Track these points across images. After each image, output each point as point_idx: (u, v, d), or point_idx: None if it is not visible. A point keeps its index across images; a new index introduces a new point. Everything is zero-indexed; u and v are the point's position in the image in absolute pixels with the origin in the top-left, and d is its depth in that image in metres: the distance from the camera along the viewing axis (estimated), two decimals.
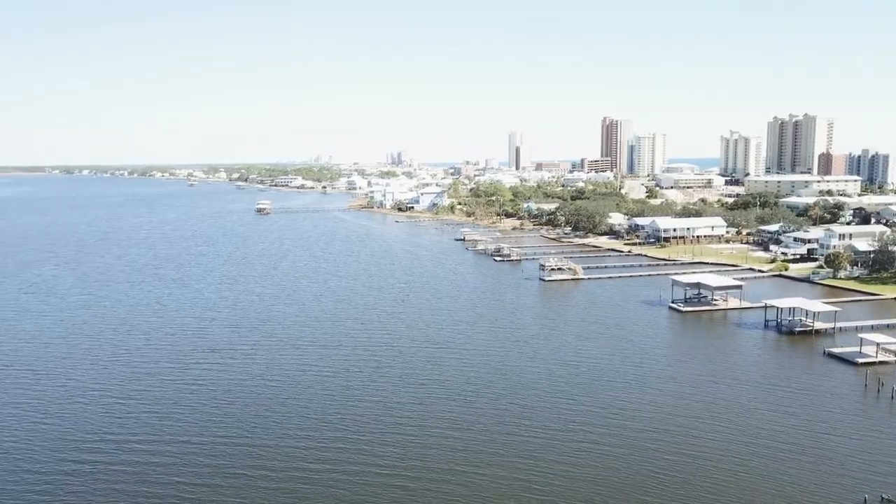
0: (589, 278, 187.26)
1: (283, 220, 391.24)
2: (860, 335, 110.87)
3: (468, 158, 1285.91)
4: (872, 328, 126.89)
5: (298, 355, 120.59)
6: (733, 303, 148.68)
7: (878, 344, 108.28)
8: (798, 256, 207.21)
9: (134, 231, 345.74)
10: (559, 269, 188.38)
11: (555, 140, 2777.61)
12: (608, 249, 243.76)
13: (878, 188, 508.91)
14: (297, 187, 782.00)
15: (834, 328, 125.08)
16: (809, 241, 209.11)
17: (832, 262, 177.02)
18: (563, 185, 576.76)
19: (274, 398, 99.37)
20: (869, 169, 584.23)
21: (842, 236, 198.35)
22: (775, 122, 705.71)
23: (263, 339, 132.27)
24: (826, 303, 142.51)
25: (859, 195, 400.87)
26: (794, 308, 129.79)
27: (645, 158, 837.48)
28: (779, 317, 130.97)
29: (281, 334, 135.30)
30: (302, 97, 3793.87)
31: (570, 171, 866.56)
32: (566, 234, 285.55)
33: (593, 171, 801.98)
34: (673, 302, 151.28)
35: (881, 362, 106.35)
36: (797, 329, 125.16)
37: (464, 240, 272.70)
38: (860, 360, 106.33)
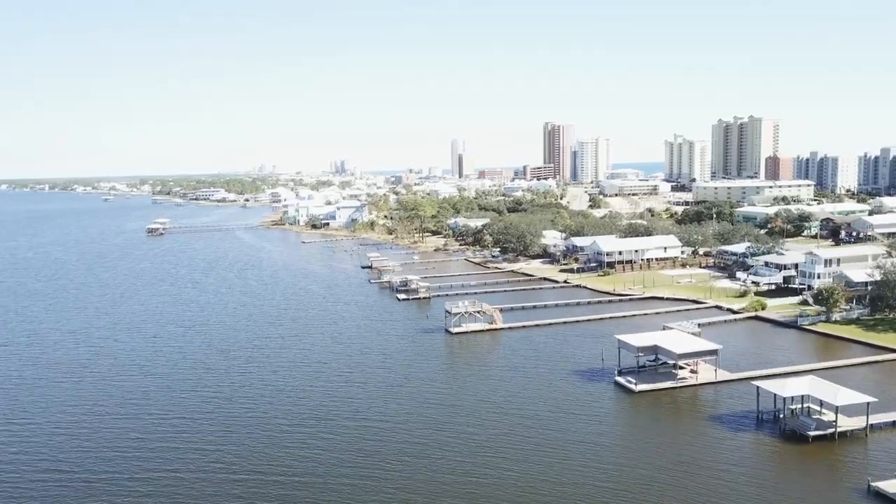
0: (510, 328, 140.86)
1: (174, 243, 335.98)
2: None
3: (412, 167, 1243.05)
4: None
5: None
6: (706, 373, 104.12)
7: None
8: (773, 287, 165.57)
9: None
10: (471, 314, 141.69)
11: (499, 147, 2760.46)
12: (541, 279, 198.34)
13: (832, 192, 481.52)
14: (218, 201, 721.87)
15: (866, 429, 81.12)
16: (786, 266, 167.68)
17: (824, 299, 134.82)
18: (503, 195, 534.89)
19: None
20: (818, 172, 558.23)
21: (828, 262, 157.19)
22: (720, 125, 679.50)
23: None
24: (820, 367, 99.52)
25: (818, 202, 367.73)
26: (803, 395, 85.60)
27: (588, 164, 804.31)
28: (779, 406, 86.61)
29: (10, 448, 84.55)
30: (248, 106, 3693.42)
31: (513, 179, 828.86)
32: (494, 256, 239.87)
33: (535, 179, 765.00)
34: (621, 373, 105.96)
35: None
36: (811, 432, 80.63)
37: (371, 267, 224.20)
38: None
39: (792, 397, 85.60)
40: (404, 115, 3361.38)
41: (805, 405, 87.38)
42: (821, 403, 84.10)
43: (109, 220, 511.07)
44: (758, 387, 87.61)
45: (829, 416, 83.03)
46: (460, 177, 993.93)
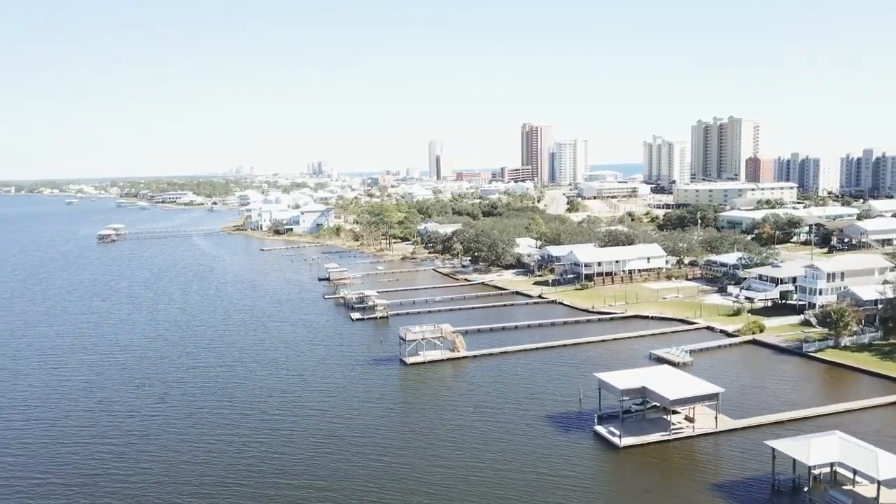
0: (475, 356, 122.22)
1: (124, 251, 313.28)
2: None
3: (389, 168, 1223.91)
4: None
5: None
6: (703, 420, 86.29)
7: None
8: (770, 303, 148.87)
9: None
10: (429, 341, 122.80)
11: (477, 148, 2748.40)
12: (513, 293, 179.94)
13: (815, 194, 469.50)
14: (185, 204, 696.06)
15: None
16: (782, 280, 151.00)
17: (833, 322, 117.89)
18: (479, 197, 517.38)
19: None
20: (799, 174, 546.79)
21: (831, 276, 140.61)
22: (699, 126, 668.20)
23: None
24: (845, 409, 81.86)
25: (804, 206, 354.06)
26: (831, 462, 67.91)
27: (567, 166, 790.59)
28: (800, 472, 68.91)
29: None
30: (242, 107, 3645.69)
31: (490, 181, 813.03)
32: (464, 266, 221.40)
33: (513, 181, 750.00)
34: (602, 419, 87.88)
35: None
36: None
37: (328, 279, 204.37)
38: None
39: (819, 463, 67.78)
40: (383, 116, 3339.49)
41: (833, 469, 69.86)
42: (853, 472, 66.43)
43: (65, 225, 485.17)
44: (773, 449, 69.71)
45: (865, 488, 65.43)
46: (438, 178, 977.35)
